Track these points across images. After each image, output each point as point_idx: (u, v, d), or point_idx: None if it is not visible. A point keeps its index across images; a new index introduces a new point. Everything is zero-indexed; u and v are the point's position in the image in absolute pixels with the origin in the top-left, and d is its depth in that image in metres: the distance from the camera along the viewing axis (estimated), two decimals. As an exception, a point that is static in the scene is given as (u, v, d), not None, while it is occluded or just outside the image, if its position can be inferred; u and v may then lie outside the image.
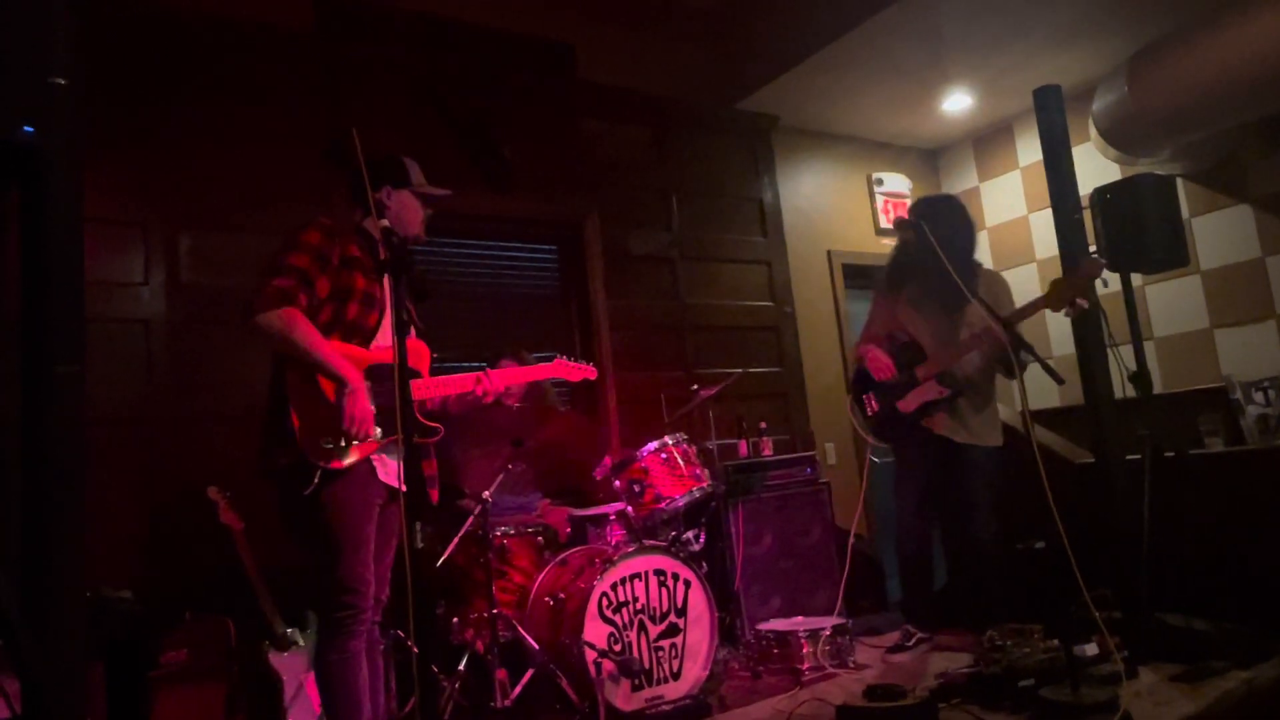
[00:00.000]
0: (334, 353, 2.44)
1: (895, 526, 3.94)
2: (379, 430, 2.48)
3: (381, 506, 2.54)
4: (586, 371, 3.21)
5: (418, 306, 2.74)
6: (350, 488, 2.43)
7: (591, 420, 4.78)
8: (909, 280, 3.78)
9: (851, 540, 3.97)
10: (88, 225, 1.51)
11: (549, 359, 3.13)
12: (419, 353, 2.71)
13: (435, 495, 2.74)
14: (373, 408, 2.48)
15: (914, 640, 3.73)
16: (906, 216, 3.67)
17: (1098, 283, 3.28)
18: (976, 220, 5.50)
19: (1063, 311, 3.26)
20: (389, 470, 2.53)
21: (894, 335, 3.79)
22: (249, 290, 2.44)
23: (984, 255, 6.53)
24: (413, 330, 2.72)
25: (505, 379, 2.86)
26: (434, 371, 2.75)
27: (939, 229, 3.44)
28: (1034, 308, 3.34)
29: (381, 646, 2.72)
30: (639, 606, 3.16)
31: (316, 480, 2.37)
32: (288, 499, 2.45)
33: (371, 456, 2.49)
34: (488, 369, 2.85)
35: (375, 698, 2.56)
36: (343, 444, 2.41)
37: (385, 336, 2.56)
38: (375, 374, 2.48)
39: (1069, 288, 3.22)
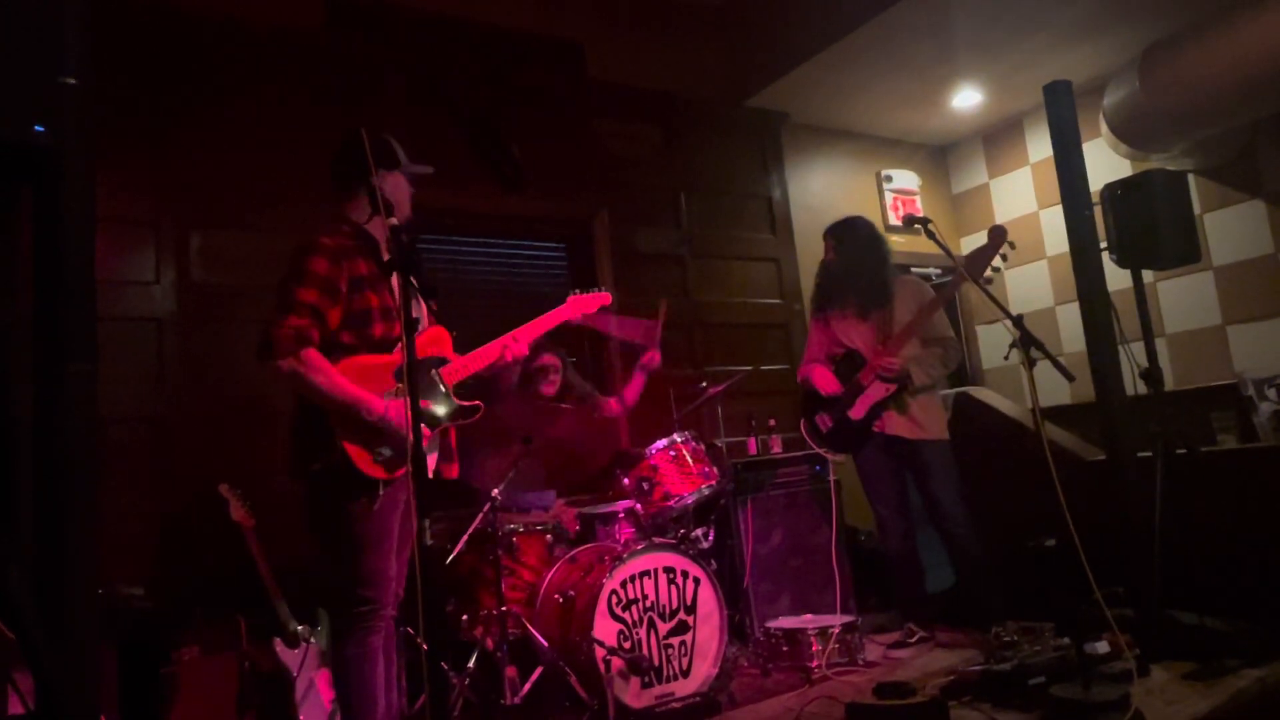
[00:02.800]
0: (351, 391, 2.40)
1: (876, 524, 4.01)
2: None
3: (405, 502, 2.53)
4: (601, 298, 3.21)
5: (429, 303, 2.73)
6: (387, 492, 2.44)
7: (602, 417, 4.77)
8: (835, 297, 4.00)
9: (834, 540, 4.02)
10: (99, 224, 1.52)
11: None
12: (440, 339, 2.70)
13: (456, 470, 2.74)
14: (437, 327, 2.58)
15: (916, 638, 3.77)
16: (826, 230, 4.11)
17: (1107, 278, 3.40)
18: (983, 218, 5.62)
19: (982, 279, 3.57)
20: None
21: (832, 353, 3.96)
22: (265, 288, 2.45)
23: (994, 252, 6.51)
24: (427, 320, 2.71)
25: (528, 335, 2.84)
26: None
27: (855, 241, 3.94)
28: (956, 285, 3.74)
29: (393, 643, 2.73)
30: (648, 604, 3.16)
31: (381, 493, 2.39)
32: (322, 502, 2.45)
33: None
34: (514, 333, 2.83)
35: (389, 694, 2.57)
36: (396, 452, 2.41)
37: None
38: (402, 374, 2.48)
39: (981, 257, 3.57)
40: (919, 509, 3.93)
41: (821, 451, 4.00)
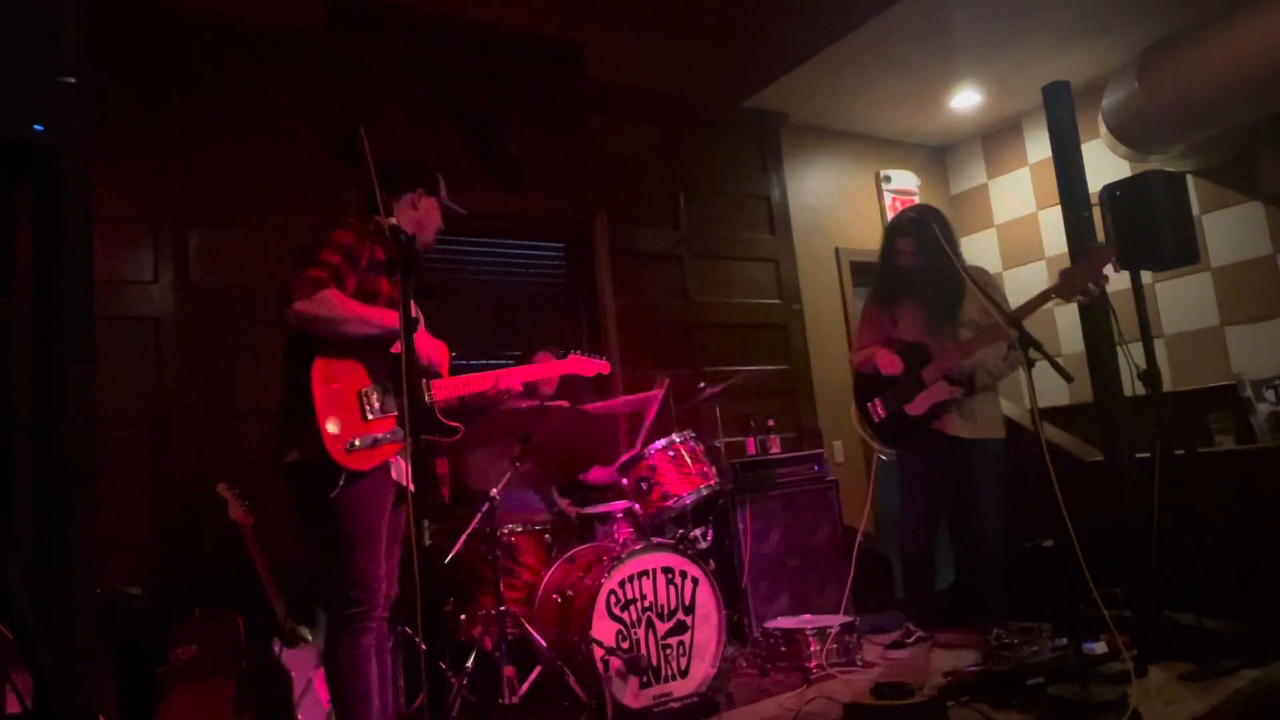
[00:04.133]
0: (379, 310, 2.49)
1: (899, 525, 3.96)
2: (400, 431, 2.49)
3: (393, 504, 2.55)
4: (600, 366, 3.26)
5: (425, 304, 2.76)
6: (367, 487, 2.45)
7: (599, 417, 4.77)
8: (903, 290, 3.81)
9: (859, 539, 3.95)
10: (98, 224, 1.53)
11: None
12: (438, 352, 2.74)
13: (446, 493, 2.76)
14: (440, 341, 2.60)
15: (914, 638, 3.76)
16: (900, 227, 3.81)
17: (1107, 272, 3.29)
18: (982, 219, 5.63)
19: (1076, 299, 3.29)
20: (401, 470, 2.54)
21: (895, 340, 3.80)
22: (263, 287, 2.49)
23: (992, 253, 6.52)
24: (423, 328, 2.74)
25: (522, 376, 2.90)
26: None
27: (935, 246, 3.54)
28: (1043, 298, 3.35)
29: (389, 643, 2.73)
30: (647, 604, 3.16)
31: (341, 482, 2.39)
32: (303, 496, 2.47)
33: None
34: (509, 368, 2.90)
35: (384, 694, 2.58)
36: (369, 443, 2.43)
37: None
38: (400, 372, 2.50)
39: (1079, 274, 3.24)
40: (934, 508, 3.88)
41: (870, 440, 3.86)
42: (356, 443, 2.41)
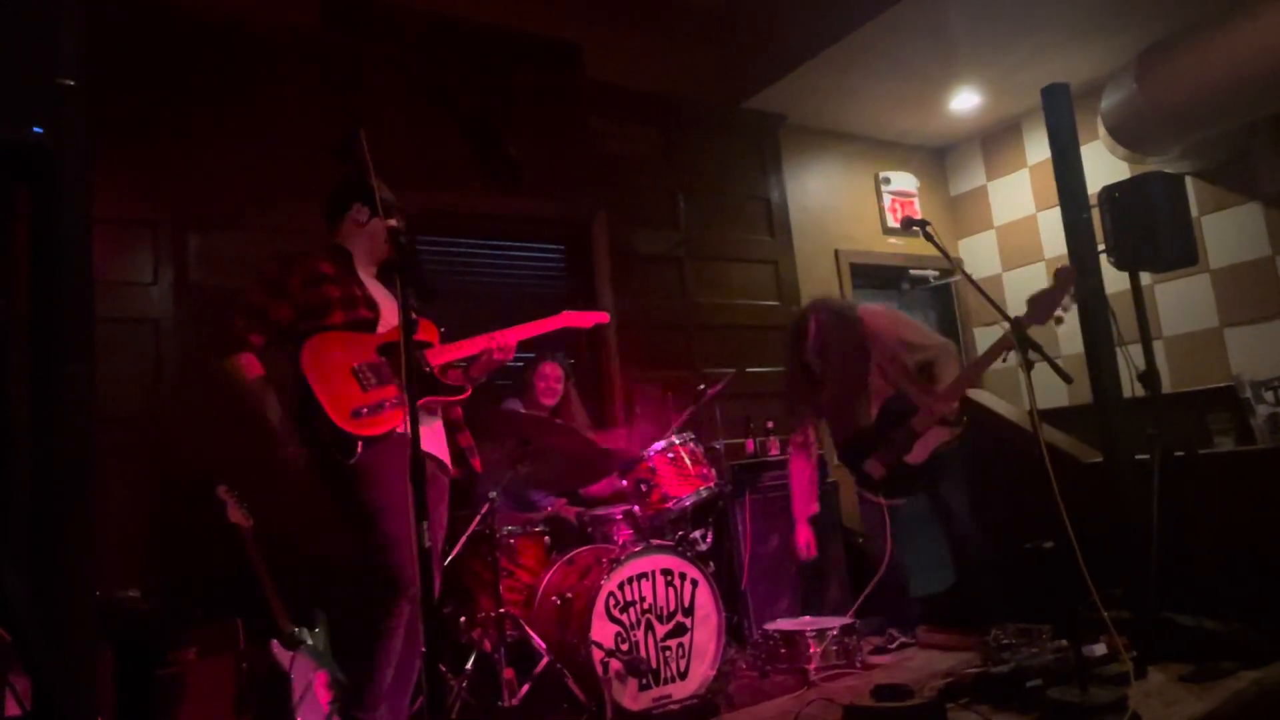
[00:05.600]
0: (271, 404, 2.61)
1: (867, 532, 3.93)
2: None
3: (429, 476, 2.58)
4: (598, 316, 3.31)
5: (420, 303, 2.79)
6: (385, 452, 2.49)
7: (598, 419, 4.77)
8: (817, 374, 3.74)
9: (875, 545, 3.93)
10: (96, 225, 1.52)
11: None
12: (423, 327, 2.82)
13: (479, 464, 2.89)
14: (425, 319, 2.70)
15: (896, 643, 3.74)
16: (803, 327, 3.74)
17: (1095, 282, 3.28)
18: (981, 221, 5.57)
19: (1051, 322, 3.23)
20: (424, 438, 2.56)
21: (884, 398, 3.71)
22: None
23: (992, 255, 6.53)
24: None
25: (516, 335, 2.95)
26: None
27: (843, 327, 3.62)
28: (1016, 328, 3.23)
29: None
30: (646, 606, 3.16)
31: (359, 449, 2.46)
32: (326, 474, 2.54)
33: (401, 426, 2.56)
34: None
35: (401, 681, 2.65)
36: (375, 408, 2.52)
37: (393, 317, 2.69)
38: (391, 349, 2.63)
39: (1049, 299, 3.20)
40: (920, 514, 3.86)
41: (874, 499, 3.72)
42: (363, 410, 2.50)
